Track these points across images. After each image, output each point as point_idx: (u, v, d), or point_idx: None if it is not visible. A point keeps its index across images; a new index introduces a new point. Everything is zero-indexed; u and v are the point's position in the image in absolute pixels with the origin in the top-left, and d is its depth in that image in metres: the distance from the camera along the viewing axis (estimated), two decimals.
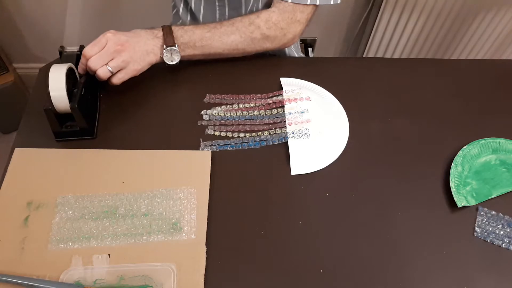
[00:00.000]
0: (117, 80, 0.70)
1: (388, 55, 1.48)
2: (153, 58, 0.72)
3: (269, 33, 0.76)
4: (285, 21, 0.76)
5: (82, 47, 0.71)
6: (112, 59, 0.68)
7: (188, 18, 0.89)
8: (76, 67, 0.69)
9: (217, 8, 0.84)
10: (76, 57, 0.71)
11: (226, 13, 0.85)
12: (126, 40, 0.68)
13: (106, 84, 0.75)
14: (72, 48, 0.72)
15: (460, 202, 0.65)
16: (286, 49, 0.93)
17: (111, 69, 0.68)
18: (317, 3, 0.76)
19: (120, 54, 0.68)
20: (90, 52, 0.67)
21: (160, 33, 0.72)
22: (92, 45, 0.67)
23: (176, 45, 0.72)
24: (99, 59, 0.67)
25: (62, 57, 0.71)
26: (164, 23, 0.74)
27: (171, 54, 0.72)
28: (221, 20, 0.82)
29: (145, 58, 0.71)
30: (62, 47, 0.71)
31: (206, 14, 0.85)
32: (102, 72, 0.67)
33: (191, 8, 0.86)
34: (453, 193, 0.65)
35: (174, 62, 0.73)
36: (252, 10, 0.82)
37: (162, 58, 0.73)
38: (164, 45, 0.71)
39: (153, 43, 0.71)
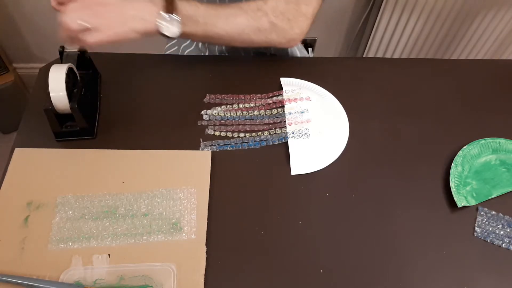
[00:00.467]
0: (91, 39, 0.60)
1: (388, 55, 1.48)
2: (140, 25, 0.62)
3: (277, 22, 0.70)
4: (291, 12, 0.71)
5: (82, 47, 0.71)
6: (89, 14, 0.60)
7: None
8: (77, 67, 0.69)
9: None
10: (77, 57, 0.71)
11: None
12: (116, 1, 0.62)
13: (106, 84, 0.75)
14: (72, 48, 0.72)
15: (460, 202, 0.65)
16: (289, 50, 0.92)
17: (82, 22, 0.58)
18: None
19: (99, 11, 0.60)
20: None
21: (159, 4, 0.63)
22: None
23: (176, 15, 0.63)
24: (74, 8, 0.59)
25: (63, 57, 0.71)
26: None
27: (171, 24, 0.63)
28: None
29: (128, 23, 0.61)
30: (62, 47, 0.71)
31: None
32: (71, 22, 0.58)
33: None
34: (453, 193, 0.65)
35: (172, 34, 0.64)
36: None
37: (156, 27, 0.63)
38: (162, 12, 0.62)
39: (145, 9, 0.63)
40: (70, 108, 0.63)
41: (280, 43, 0.74)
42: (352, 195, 0.66)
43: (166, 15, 0.63)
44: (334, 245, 0.62)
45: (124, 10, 0.62)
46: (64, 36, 0.61)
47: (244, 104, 0.75)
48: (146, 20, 0.63)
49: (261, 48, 0.92)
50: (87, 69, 0.74)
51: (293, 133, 0.71)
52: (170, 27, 0.63)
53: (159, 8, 0.63)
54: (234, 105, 0.75)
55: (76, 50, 0.71)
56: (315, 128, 0.72)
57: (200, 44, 0.95)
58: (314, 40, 1.62)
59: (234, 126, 0.72)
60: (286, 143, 0.70)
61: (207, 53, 0.95)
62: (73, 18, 0.59)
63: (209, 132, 0.71)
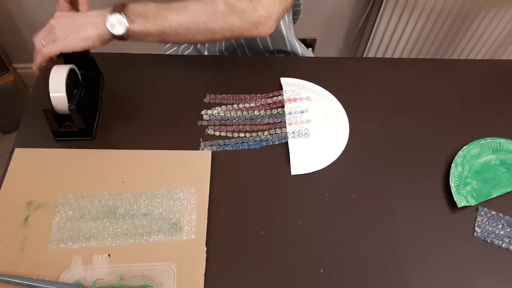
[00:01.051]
0: (45, 49, 0.64)
1: (388, 55, 1.48)
2: (90, 30, 0.63)
3: (234, 2, 0.64)
4: None
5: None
6: (45, 31, 0.66)
7: None
8: (79, 67, 0.69)
9: None
10: (79, 58, 0.70)
11: None
12: (65, 15, 0.66)
13: (106, 84, 0.75)
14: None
15: (460, 202, 0.65)
16: (289, 45, 0.91)
17: (42, 40, 0.65)
18: None
19: (54, 28, 0.65)
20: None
21: (110, 8, 0.64)
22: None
23: (123, 14, 0.63)
24: (40, 34, 0.66)
25: (64, 57, 0.71)
26: None
27: (119, 23, 0.63)
28: None
29: (80, 31, 0.63)
30: None
31: None
32: (37, 44, 0.65)
33: None
34: (453, 193, 0.65)
35: (117, 32, 0.63)
36: None
37: (106, 29, 0.63)
38: (108, 14, 0.63)
39: (96, 17, 0.64)
40: (69, 109, 0.63)
41: (246, 29, 0.66)
42: (352, 195, 0.66)
43: (113, 16, 0.62)
44: (334, 245, 0.62)
45: (75, 19, 0.65)
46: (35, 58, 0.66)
47: (244, 104, 0.75)
48: (96, 24, 0.63)
49: (251, 43, 0.89)
50: (89, 69, 0.74)
51: (293, 133, 0.71)
52: (118, 26, 0.63)
53: (108, 11, 0.63)
54: (234, 105, 0.75)
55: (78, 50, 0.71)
56: (315, 128, 0.72)
57: (198, 45, 0.95)
58: (314, 40, 1.62)
59: (234, 126, 0.72)
60: (286, 143, 0.70)
61: (206, 53, 0.95)
62: (37, 40, 0.65)
63: (209, 132, 0.71)
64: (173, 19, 0.64)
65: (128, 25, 0.63)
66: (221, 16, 0.65)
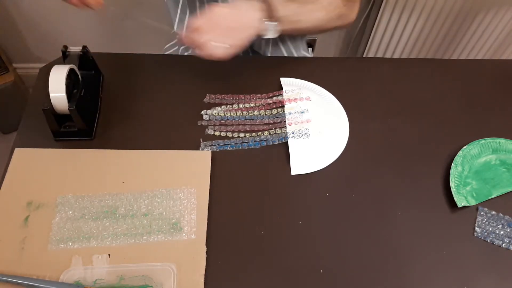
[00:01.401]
0: (219, 53, 0.68)
1: (388, 55, 1.48)
2: (252, 31, 0.70)
3: (344, 10, 0.78)
4: None
5: (85, 47, 0.71)
6: (215, 33, 0.67)
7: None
8: (79, 67, 0.69)
9: None
10: (79, 57, 0.71)
11: None
12: (228, 13, 0.69)
13: (106, 84, 0.75)
14: (75, 48, 0.72)
15: (460, 202, 0.65)
16: (290, 48, 0.93)
17: (214, 44, 0.67)
18: None
19: (218, 24, 0.68)
20: (194, 24, 0.67)
21: (258, 5, 0.70)
22: (199, 18, 0.68)
23: (276, 20, 0.71)
24: (203, 31, 0.67)
25: (65, 56, 0.71)
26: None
27: (273, 28, 0.72)
28: None
29: (246, 31, 0.70)
30: (65, 46, 0.71)
31: None
32: (205, 42, 0.67)
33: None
34: (453, 193, 0.65)
35: (267, 36, 0.73)
36: None
37: (260, 31, 0.72)
38: (264, 18, 0.71)
39: (254, 16, 0.70)
40: (69, 109, 0.63)
41: (341, 27, 0.82)
42: (352, 195, 0.66)
43: (268, 23, 0.71)
44: (334, 245, 0.62)
45: (241, 21, 0.70)
46: (188, 43, 0.69)
47: (244, 104, 0.75)
48: (255, 27, 0.70)
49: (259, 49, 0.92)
50: (90, 69, 0.74)
51: (293, 133, 0.71)
52: (271, 32, 0.72)
53: (261, 13, 0.71)
54: (234, 105, 0.75)
55: (79, 50, 0.71)
56: (315, 128, 0.72)
57: None
58: (314, 40, 1.62)
59: (234, 126, 0.72)
60: (286, 143, 0.70)
61: None
62: (206, 39, 0.67)
63: (209, 132, 0.71)
64: (304, 23, 0.76)
65: (279, 31, 0.72)
66: (333, 21, 0.78)
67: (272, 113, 0.74)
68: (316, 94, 0.77)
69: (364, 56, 1.52)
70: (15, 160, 0.66)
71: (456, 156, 0.69)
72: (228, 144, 0.70)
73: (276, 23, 0.71)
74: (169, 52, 1.00)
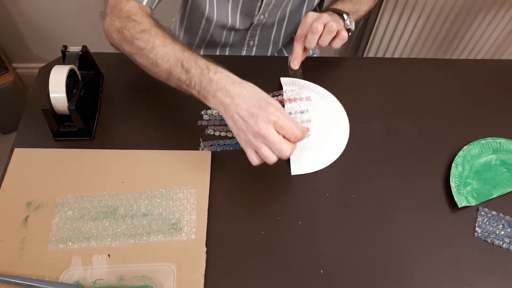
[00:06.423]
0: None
1: (388, 55, 1.48)
2: None
3: None
4: None
5: (84, 47, 0.71)
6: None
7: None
8: (79, 67, 0.69)
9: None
10: (79, 57, 0.70)
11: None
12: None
13: (106, 84, 0.75)
14: (74, 48, 0.71)
15: (461, 202, 0.65)
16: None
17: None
18: None
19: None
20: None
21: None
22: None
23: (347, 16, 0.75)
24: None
25: (65, 56, 0.71)
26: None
27: (351, 21, 0.76)
28: None
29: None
30: (65, 46, 0.71)
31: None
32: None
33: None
34: (453, 193, 0.65)
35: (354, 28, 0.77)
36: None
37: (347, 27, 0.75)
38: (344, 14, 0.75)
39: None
40: (68, 109, 0.63)
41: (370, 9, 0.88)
42: (352, 195, 0.66)
43: (347, 17, 0.75)
44: (334, 245, 0.62)
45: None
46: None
47: None
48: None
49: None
50: (90, 69, 0.73)
51: None
52: (353, 22, 0.77)
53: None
54: None
55: (78, 49, 0.71)
56: (315, 128, 0.72)
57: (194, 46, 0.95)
58: None
59: None
60: None
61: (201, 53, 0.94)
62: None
63: (209, 132, 0.71)
64: (363, 10, 0.84)
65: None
66: (371, 4, 0.87)
67: None
68: (316, 94, 0.77)
69: (364, 56, 1.52)
70: (14, 160, 0.66)
71: (456, 156, 0.69)
72: (228, 144, 0.70)
73: (351, 18, 0.75)
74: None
